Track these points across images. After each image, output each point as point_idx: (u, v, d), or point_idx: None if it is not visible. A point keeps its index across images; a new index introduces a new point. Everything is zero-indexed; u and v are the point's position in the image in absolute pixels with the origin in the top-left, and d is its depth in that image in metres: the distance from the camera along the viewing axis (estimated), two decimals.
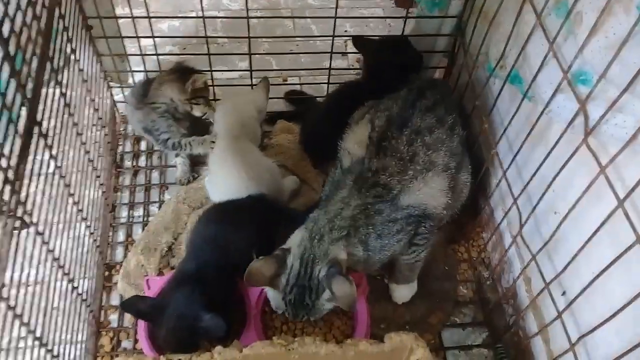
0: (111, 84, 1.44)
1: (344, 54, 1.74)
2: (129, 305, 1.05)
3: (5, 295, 0.72)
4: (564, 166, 0.91)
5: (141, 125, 1.37)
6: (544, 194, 1.00)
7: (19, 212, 0.76)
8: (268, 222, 1.18)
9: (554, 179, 0.95)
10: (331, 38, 1.38)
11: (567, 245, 0.99)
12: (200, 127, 1.42)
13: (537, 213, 1.06)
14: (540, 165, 1.00)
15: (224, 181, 1.28)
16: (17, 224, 0.75)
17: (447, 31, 1.38)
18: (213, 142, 1.35)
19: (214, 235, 1.14)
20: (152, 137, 1.38)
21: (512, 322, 1.22)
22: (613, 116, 0.84)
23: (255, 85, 1.45)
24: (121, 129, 1.52)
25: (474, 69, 1.26)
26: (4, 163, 0.72)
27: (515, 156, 1.10)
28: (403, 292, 1.24)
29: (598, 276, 0.85)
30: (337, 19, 1.31)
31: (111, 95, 1.46)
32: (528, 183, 1.05)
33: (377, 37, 1.48)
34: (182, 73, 1.32)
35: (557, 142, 0.94)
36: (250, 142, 1.34)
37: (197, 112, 1.35)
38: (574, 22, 0.91)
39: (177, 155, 1.42)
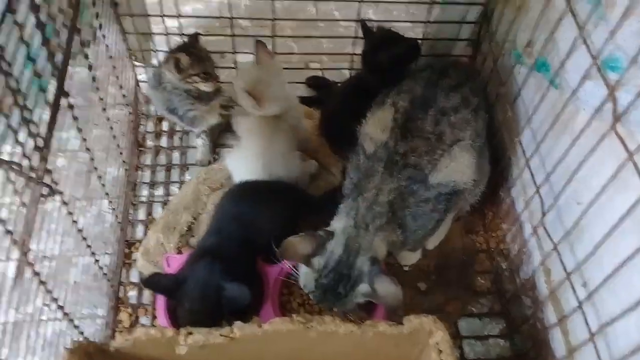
0: (135, 63, 1.45)
1: None
2: (151, 282, 1.05)
3: (31, 260, 0.73)
4: (590, 152, 0.89)
5: (163, 106, 1.38)
6: (567, 182, 0.99)
7: (47, 180, 0.77)
8: (292, 206, 1.18)
9: (579, 167, 0.94)
10: (354, 23, 1.37)
11: (589, 235, 0.97)
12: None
13: (560, 203, 1.04)
14: (566, 153, 0.98)
15: (250, 157, 1.25)
16: (45, 191, 0.76)
17: (472, 19, 1.36)
18: (225, 106, 1.34)
19: (237, 212, 1.14)
20: (177, 117, 1.38)
21: (530, 313, 1.21)
22: None
23: None
24: (143, 108, 1.52)
25: (499, 56, 1.25)
26: (33, 130, 0.73)
27: (539, 145, 1.09)
28: (411, 256, 1.25)
29: (621, 266, 0.84)
30: (361, 4, 1.30)
31: (135, 74, 1.47)
32: (552, 172, 1.04)
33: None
34: (171, 53, 1.30)
35: (583, 129, 0.93)
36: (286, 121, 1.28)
37: (204, 88, 1.32)
38: (605, 6, 0.90)
39: (198, 136, 1.42)
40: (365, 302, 1.03)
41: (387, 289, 0.96)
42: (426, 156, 1.04)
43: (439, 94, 1.09)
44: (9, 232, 0.66)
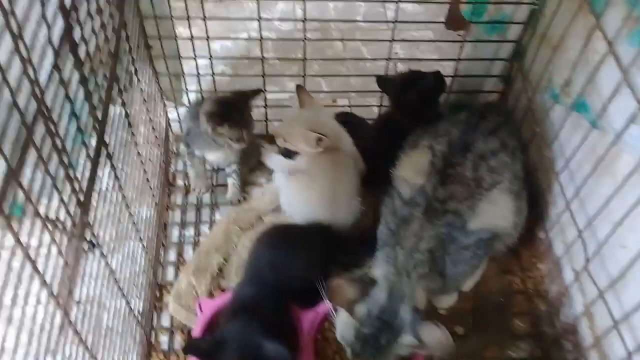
0: (166, 102, 1.46)
1: None
2: (192, 348, 1.03)
3: (72, 319, 0.72)
4: (638, 200, 0.87)
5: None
6: (613, 230, 0.96)
7: (88, 234, 0.76)
8: (325, 250, 1.17)
9: (626, 214, 0.91)
10: (382, 60, 1.37)
11: (636, 280, 0.94)
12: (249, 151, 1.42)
13: (601, 245, 1.01)
14: (609, 198, 0.96)
15: (316, 196, 1.25)
16: (86, 246, 0.76)
17: (504, 55, 1.35)
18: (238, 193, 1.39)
19: (271, 258, 1.13)
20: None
21: (572, 359, 1.17)
22: None
23: None
24: (173, 147, 1.53)
25: (534, 95, 1.23)
26: (75, 186, 0.73)
27: (580, 188, 1.06)
28: (448, 299, 1.22)
29: None
30: (386, 42, 1.31)
31: (166, 114, 1.48)
32: (595, 217, 1.01)
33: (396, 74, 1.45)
34: (222, 114, 1.26)
35: (631, 173, 0.90)
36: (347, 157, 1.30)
37: (234, 146, 1.32)
38: None
39: (228, 175, 1.42)
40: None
41: (434, 336, 0.93)
42: (465, 202, 1.02)
43: (478, 138, 1.08)
44: (49, 291, 0.65)
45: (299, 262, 1.13)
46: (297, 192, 1.29)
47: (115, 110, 0.97)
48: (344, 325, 1.01)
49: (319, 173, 1.25)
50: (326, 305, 1.12)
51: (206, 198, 1.45)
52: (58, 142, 0.65)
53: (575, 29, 1.06)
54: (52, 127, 0.63)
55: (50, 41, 0.62)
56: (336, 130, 1.29)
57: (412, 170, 1.10)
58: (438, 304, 1.22)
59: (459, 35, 1.86)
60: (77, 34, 0.73)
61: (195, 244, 1.36)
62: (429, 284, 1.01)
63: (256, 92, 1.30)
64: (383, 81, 1.40)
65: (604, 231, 1.00)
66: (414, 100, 1.33)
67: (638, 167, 0.89)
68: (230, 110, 1.26)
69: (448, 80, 1.39)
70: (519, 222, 1.13)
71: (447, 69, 1.46)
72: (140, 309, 1.12)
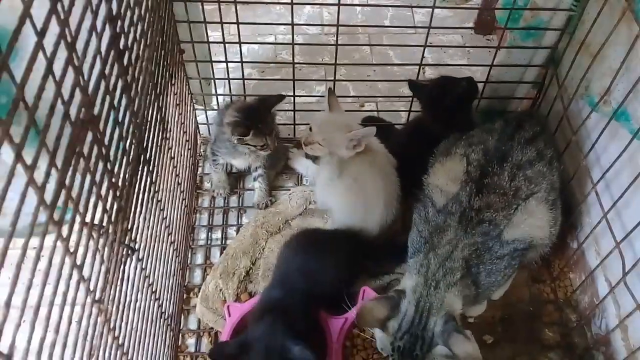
0: (195, 106, 1.46)
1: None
2: (217, 352, 1.03)
3: (112, 326, 0.73)
4: None
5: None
6: None
7: (127, 240, 0.77)
8: (354, 255, 1.16)
9: None
10: (412, 65, 1.37)
11: None
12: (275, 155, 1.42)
13: (637, 255, 0.99)
14: None
15: (369, 198, 1.25)
16: (124, 251, 0.76)
17: (539, 62, 1.33)
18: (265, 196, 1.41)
19: (300, 263, 1.13)
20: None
21: None
22: None
23: None
24: (201, 150, 1.53)
25: (570, 102, 1.21)
26: (117, 192, 0.73)
27: (619, 197, 1.04)
28: (477, 308, 1.21)
29: None
30: (418, 47, 1.31)
31: (195, 117, 1.48)
32: (634, 229, 0.99)
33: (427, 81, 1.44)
34: (241, 119, 1.25)
35: None
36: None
37: (259, 153, 1.32)
38: None
39: (255, 179, 1.42)
40: None
41: (463, 347, 0.93)
42: (502, 212, 1.01)
43: (514, 148, 1.07)
44: (96, 302, 0.65)
45: (327, 268, 1.12)
46: (342, 195, 1.29)
47: (151, 114, 0.98)
48: (380, 339, 1.02)
49: (360, 175, 1.25)
50: (355, 312, 1.12)
51: (233, 201, 1.45)
52: (104, 150, 0.65)
53: (618, 36, 1.04)
54: (98, 135, 0.63)
55: (99, 50, 0.62)
56: (368, 130, 1.28)
57: (446, 178, 1.09)
58: (467, 312, 1.21)
59: (488, 40, 1.85)
60: (121, 42, 0.73)
61: (222, 246, 1.36)
62: (463, 290, 1.00)
63: (279, 98, 1.29)
64: (415, 86, 1.39)
65: None
66: (447, 106, 1.32)
67: None
68: (254, 118, 1.25)
69: (480, 87, 1.38)
70: (554, 232, 1.12)
71: (477, 74, 1.45)
72: (170, 312, 1.12)
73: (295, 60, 1.32)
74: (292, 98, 1.42)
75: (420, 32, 1.78)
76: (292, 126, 1.52)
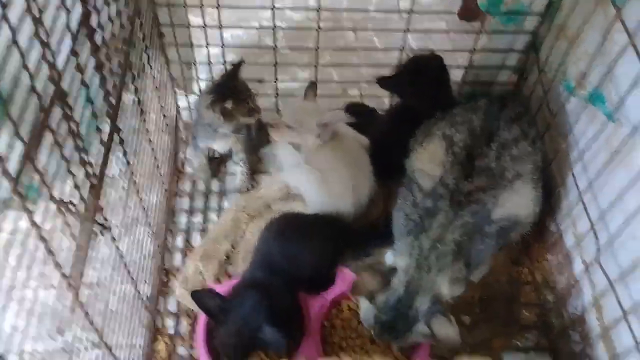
0: (176, 90, 1.46)
1: None
2: (199, 298, 1.04)
3: (83, 300, 0.73)
4: None
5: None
6: (626, 222, 0.95)
7: (99, 218, 0.77)
8: (335, 239, 1.17)
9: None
10: (394, 50, 1.37)
11: None
12: (257, 134, 1.42)
13: (613, 236, 1.01)
14: (625, 189, 0.95)
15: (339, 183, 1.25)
16: (97, 228, 0.76)
17: (520, 47, 1.34)
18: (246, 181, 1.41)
19: (282, 247, 1.13)
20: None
21: (579, 350, 1.17)
22: None
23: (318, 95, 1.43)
24: (183, 135, 1.53)
25: (549, 87, 1.22)
26: (89, 170, 0.73)
27: (594, 180, 1.06)
28: (457, 289, 1.20)
29: None
30: (400, 32, 1.30)
31: (176, 101, 1.48)
32: (609, 209, 1.00)
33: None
34: (215, 97, 1.26)
35: None
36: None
37: (248, 122, 1.32)
38: None
39: (236, 164, 1.42)
40: None
41: (444, 330, 0.95)
42: (489, 191, 1.02)
43: (500, 127, 1.07)
44: (61, 272, 0.65)
45: (307, 251, 1.13)
46: (310, 181, 1.29)
47: (128, 97, 0.98)
48: (365, 310, 1.04)
49: (326, 161, 1.26)
50: (334, 292, 1.13)
51: (214, 186, 1.45)
52: (73, 127, 0.65)
53: (595, 20, 1.05)
54: (68, 111, 0.63)
55: (68, 27, 0.62)
56: (335, 116, 1.30)
57: (430, 161, 1.09)
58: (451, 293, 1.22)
59: (473, 26, 1.84)
60: (94, 20, 0.73)
61: (203, 230, 1.36)
62: (454, 274, 1.02)
63: (239, 64, 1.29)
64: (384, 81, 1.36)
65: (616, 223, 0.99)
66: (423, 86, 1.31)
67: None
68: (226, 89, 1.26)
69: (462, 72, 1.38)
70: (537, 210, 1.13)
71: (460, 60, 1.45)
72: (148, 294, 1.12)
73: (280, 46, 1.32)
74: (274, 83, 1.41)
75: (404, 17, 1.78)
76: (275, 112, 1.52)
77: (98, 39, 0.75)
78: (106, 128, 0.80)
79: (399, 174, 1.19)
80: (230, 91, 1.25)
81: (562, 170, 1.22)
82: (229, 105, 1.23)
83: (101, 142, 0.78)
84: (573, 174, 1.12)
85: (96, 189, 0.76)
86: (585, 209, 1.07)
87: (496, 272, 1.27)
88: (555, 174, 1.25)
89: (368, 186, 1.29)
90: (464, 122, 1.11)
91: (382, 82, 1.35)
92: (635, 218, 0.95)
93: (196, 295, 1.04)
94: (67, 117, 0.63)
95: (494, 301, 1.25)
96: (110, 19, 0.80)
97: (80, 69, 0.66)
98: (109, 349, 0.88)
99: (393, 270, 1.02)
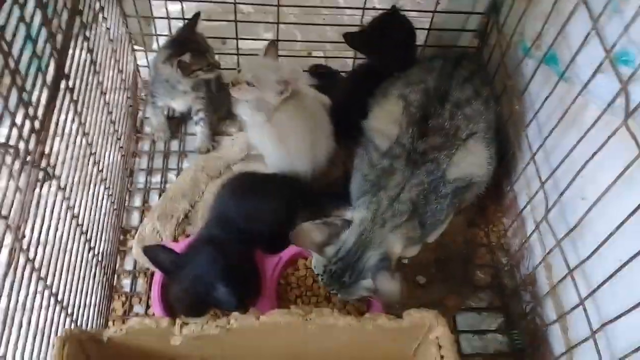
0: (135, 47, 1.42)
1: None
2: (152, 252, 1.04)
3: (25, 247, 0.71)
4: (601, 147, 0.88)
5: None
6: (573, 178, 0.97)
7: (43, 164, 0.75)
8: (292, 198, 1.18)
9: (586, 162, 0.92)
10: (360, 11, 1.35)
11: (593, 232, 0.96)
12: (218, 94, 1.40)
13: (564, 199, 1.03)
14: (574, 148, 0.97)
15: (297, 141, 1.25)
16: (41, 175, 0.74)
17: (481, 9, 1.34)
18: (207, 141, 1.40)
19: (238, 204, 1.13)
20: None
21: (529, 309, 1.20)
22: None
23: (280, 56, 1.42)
24: (142, 94, 1.50)
25: (507, 49, 1.23)
26: (30, 112, 0.71)
27: (545, 139, 1.07)
28: (412, 250, 1.21)
29: (624, 265, 0.82)
30: None
31: (135, 59, 1.44)
32: (557, 167, 1.02)
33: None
34: (172, 51, 1.24)
35: (595, 122, 0.91)
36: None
37: (207, 77, 1.30)
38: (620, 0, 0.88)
39: (196, 124, 1.40)
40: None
41: (387, 284, 0.96)
42: (444, 151, 1.03)
43: (454, 86, 1.08)
44: (2, 217, 0.64)
45: (263, 209, 1.13)
46: (269, 140, 1.28)
47: (79, 48, 0.94)
48: (316, 258, 1.04)
49: (286, 120, 1.25)
50: (289, 251, 1.14)
51: (174, 146, 1.43)
52: (11, 63, 0.63)
53: None
54: (4, 45, 0.61)
55: None
56: (295, 73, 1.30)
57: (386, 120, 1.10)
58: (402, 253, 1.24)
59: None
60: None
61: (162, 190, 1.35)
62: (407, 233, 1.03)
63: (195, 17, 1.28)
64: (353, 37, 1.33)
65: (566, 183, 1.01)
66: (396, 41, 1.29)
67: (602, 117, 0.90)
68: (184, 42, 1.24)
69: (424, 34, 1.37)
70: (491, 169, 1.14)
71: (424, 22, 1.44)
72: (103, 251, 1.11)
73: (243, 3, 1.29)
74: (235, 42, 1.39)
75: None
76: (237, 71, 1.49)
77: None
78: (50, 72, 0.77)
79: (359, 134, 1.19)
80: (188, 45, 1.22)
81: (517, 132, 1.24)
82: (186, 58, 1.20)
83: (45, 84, 0.75)
84: (527, 135, 1.14)
85: (39, 134, 0.74)
86: (537, 168, 1.09)
87: (452, 234, 1.29)
88: (510, 136, 1.27)
89: (327, 146, 1.28)
90: (419, 82, 1.11)
91: (350, 38, 1.33)
92: (584, 178, 0.97)
93: (148, 250, 1.03)
94: (4, 53, 0.61)
95: (450, 262, 1.27)
96: None
97: (18, 3, 0.63)
98: (64, 307, 0.87)
99: (346, 222, 1.01)
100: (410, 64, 1.24)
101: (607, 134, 0.85)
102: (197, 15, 1.27)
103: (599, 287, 0.90)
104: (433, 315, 0.85)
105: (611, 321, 0.86)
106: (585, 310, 0.95)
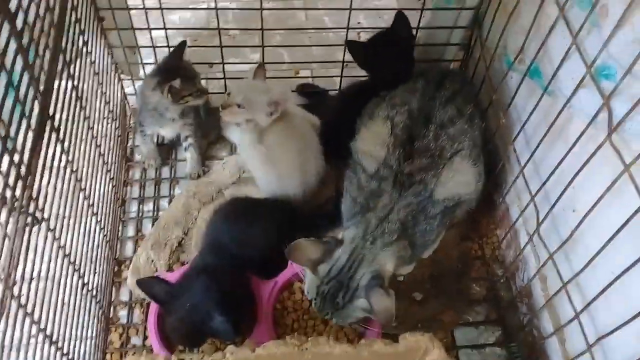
0: (122, 76, 1.43)
1: None
2: (146, 285, 1.04)
3: (16, 293, 0.71)
4: (587, 162, 0.88)
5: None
6: (563, 192, 0.97)
7: (31, 208, 0.75)
8: (285, 222, 1.18)
9: (574, 177, 0.93)
10: (344, 30, 1.36)
11: (585, 244, 0.97)
12: (206, 118, 1.41)
13: (555, 211, 1.03)
14: (561, 162, 0.97)
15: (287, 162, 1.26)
16: (29, 220, 0.74)
17: (464, 23, 1.35)
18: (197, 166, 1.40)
19: (230, 230, 1.14)
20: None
21: (526, 321, 1.20)
22: (637, 113, 0.82)
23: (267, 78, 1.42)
24: (131, 122, 1.50)
25: (491, 62, 1.24)
26: (16, 158, 0.71)
27: (533, 152, 1.08)
28: (407, 268, 1.22)
29: (617, 278, 0.83)
30: (351, 11, 1.29)
31: (122, 87, 1.45)
32: (546, 180, 1.03)
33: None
34: (161, 78, 1.26)
35: (578, 138, 0.92)
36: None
37: (197, 103, 1.31)
38: (599, 14, 0.89)
39: (186, 149, 1.40)
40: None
41: (381, 302, 0.95)
42: (431, 172, 1.03)
43: (437, 107, 1.09)
44: None
45: (256, 234, 1.13)
46: (260, 162, 1.28)
47: (64, 83, 0.95)
48: (309, 281, 1.03)
49: (276, 141, 1.25)
50: (285, 275, 1.13)
51: (165, 173, 1.43)
52: None
53: None
54: None
55: None
56: (285, 94, 1.30)
57: (373, 142, 1.10)
58: (397, 271, 1.24)
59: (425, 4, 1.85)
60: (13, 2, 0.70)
61: (154, 218, 1.34)
62: (399, 252, 1.03)
63: (182, 45, 1.29)
64: (354, 45, 1.33)
65: (556, 196, 1.02)
66: (397, 56, 1.29)
67: (586, 130, 0.90)
68: (172, 69, 1.25)
69: None
70: (479, 186, 1.15)
71: None
72: (97, 284, 1.11)
73: (228, 28, 1.30)
74: (222, 66, 1.40)
75: None
76: (224, 95, 1.50)
77: (19, 21, 0.72)
78: (35, 115, 0.77)
79: (349, 155, 1.20)
80: (177, 71, 1.24)
81: (505, 145, 1.25)
82: (177, 83, 1.21)
83: (29, 128, 0.75)
84: (514, 148, 1.14)
85: (26, 179, 0.74)
86: (526, 181, 1.10)
87: (446, 248, 1.29)
88: (499, 150, 1.27)
89: (317, 165, 1.29)
90: (403, 104, 1.11)
91: (352, 45, 1.33)
92: (574, 190, 0.97)
93: (142, 283, 1.03)
94: None
95: (445, 277, 1.27)
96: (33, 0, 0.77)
97: None
98: (56, 344, 0.86)
99: (338, 241, 1.02)
100: (405, 79, 1.24)
101: (593, 147, 0.86)
102: (183, 43, 1.28)
103: (593, 300, 0.90)
104: (428, 339, 0.85)
105: (606, 335, 0.87)
106: (580, 323, 0.95)
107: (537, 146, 1.06)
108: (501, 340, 1.22)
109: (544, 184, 1.04)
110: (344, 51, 1.40)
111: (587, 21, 0.89)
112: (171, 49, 1.31)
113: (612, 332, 0.85)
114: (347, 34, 1.35)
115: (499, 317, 1.25)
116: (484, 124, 1.19)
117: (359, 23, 1.77)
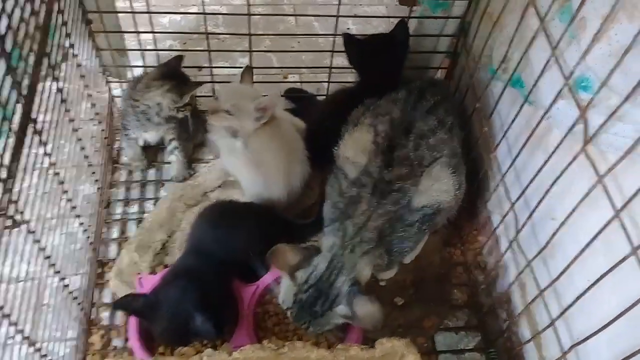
0: (109, 78, 1.43)
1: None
2: (122, 304, 1.04)
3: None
4: (562, 173, 0.90)
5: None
6: (541, 200, 0.99)
7: (11, 211, 0.75)
8: (268, 227, 1.19)
9: (551, 186, 0.94)
10: (332, 36, 1.37)
11: (562, 252, 0.98)
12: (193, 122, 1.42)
13: (535, 218, 1.05)
14: (539, 170, 0.99)
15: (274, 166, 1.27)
16: (8, 222, 0.75)
17: (450, 32, 1.37)
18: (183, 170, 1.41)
19: (213, 233, 1.14)
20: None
21: (505, 327, 1.21)
22: (613, 125, 0.83)
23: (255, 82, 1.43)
24: (118, 124, 1.50)
25: (475, 71, 1.25)
26: None
27: (514, 160, 1.09)
28: (388, 272, 1.24)
29: (592, 286, 0.84)
30: (339, 17, 1.30)
31: (109, 90, 1.45)
32: (526, 188, 1.04)
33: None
34: (178, 83, 1.28)
35: (556, 148, 0.93)
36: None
37: (182, 115, 1.34)
38: (577, 27, 0.90)
39: (171, 153, 1.41)
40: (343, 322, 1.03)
41: (366, 310, 0.96)
42: (409, 180, 1.04)
43: (417, 118, 1.10)
44: None
45: (239, 238, 1.13)
46: (245, 166, 1.29)
47: (49, 85, 0.95)
48: (285, 289, 1.03)
49: (261, 146, 1.26)
50: (266, 279, 1.14)
51: (151, 175, 1.44)
52: None
53: (514, 5, 1.08)
54: None
55: None
56: (273, 99, 1.30)
57: (355, 149, 1.11)
58: (379, 276, 1.25)
59: (413, 12, 1.87)
60: None
61: (139, 220, 1.35)
62: (375, 260, 1.04)
63: (178, 59, 1.31)
64: (351, 40, 1.35)
65: (535, 204, 1.03)
66: (390, 59, 1.32)
67: (564, 141, 0.92)
68: (180, 77, 1.28)
69: None
70: (459, 195, 1.16)
71: None
72: (80, 286, 1.11)
73: (219, 32, 1.31)
74: (210, 70, 1.40)
75: (345, 3, 1.79)
76: (213, 98, 1.50)
77: (2, 25, 0.72)
78: (17, 119, 0.78)
79: (334, 160, 1.20)
80: (184, 79, 1.27)
81: (488, 153, 1.26)
82: (192, 88, 1.25)
83: (10, 131, 0.76)
84: (496, 156, 1.16)
85: (6, 183, 0.74)
86: (506, 189, 1.11)
87: (429, 255, 1.30)
88: (482, 157, 1.29)
89: (302, 170, 1.30)
90: (386, 113, 1.13)
91: (348, 39, 1.34)
92: (552, 199, 0.99)
93: (118, 304, 1.06)
94: None
95: (427, 282, 1.28)
96: (17, 4, 0.78)
97: None
98: (34, 346, 0.87)
99: (317, 250, 1.03)
100: (392, 85, 1.25)
101: (571, 156, 0.87)
102: (180, 57, 1.30)
103: (568, 307, 0.92)
104: (404, 344, 0.86)
105: (579, 343, 0.88)
106: (555, 330, 0.96)
107: (517, 155, 1.08)
108: (481, 346, 1.24)
109: (524, 192, 1.05)
110: (332, 57, 1.41)
111: (567, 33, 0.90)
112: (159, 53, 1.31)
113: (585, 339, 0.86)
114: (334, 41, 1.36)
115: (480, 323, 1.27)
116: (464, 133, 1.20)
117: (348, 29, 1.78)
